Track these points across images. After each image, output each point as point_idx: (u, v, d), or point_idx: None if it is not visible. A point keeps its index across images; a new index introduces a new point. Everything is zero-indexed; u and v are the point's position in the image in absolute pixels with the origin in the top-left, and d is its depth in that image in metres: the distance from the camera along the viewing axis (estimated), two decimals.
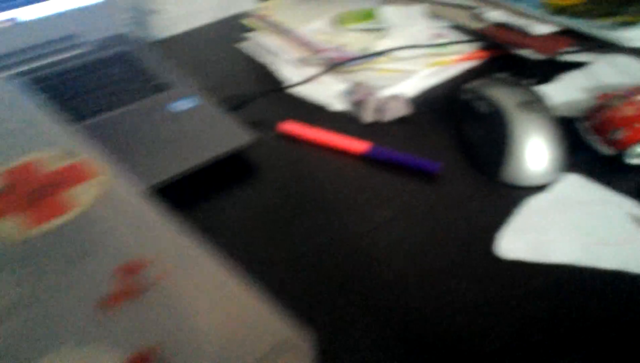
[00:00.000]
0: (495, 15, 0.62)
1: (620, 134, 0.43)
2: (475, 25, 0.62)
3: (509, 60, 0.59)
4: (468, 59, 0.60)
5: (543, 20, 0.60)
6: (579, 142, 0.47)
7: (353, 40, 0.62)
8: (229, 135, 0.46)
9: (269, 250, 0.39)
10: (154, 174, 0.42)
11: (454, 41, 0.60)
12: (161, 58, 0.57)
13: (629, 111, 0.44)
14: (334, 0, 0.72)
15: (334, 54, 0.59)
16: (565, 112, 0.50)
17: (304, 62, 0.60)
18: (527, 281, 0.36)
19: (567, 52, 0.58)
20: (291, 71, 0.60)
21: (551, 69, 0.56)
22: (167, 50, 0.66)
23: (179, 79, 0.53)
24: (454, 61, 0.59)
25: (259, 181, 0.46)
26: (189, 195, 0.44)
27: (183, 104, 0.49)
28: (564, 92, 0.53)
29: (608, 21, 0.59)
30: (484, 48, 0.60)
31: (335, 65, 0.57)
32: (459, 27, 0.63)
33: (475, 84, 0.49)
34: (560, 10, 0.61)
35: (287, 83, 0.58)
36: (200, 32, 0.72)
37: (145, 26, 0.69)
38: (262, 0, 0.74)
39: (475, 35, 0.61)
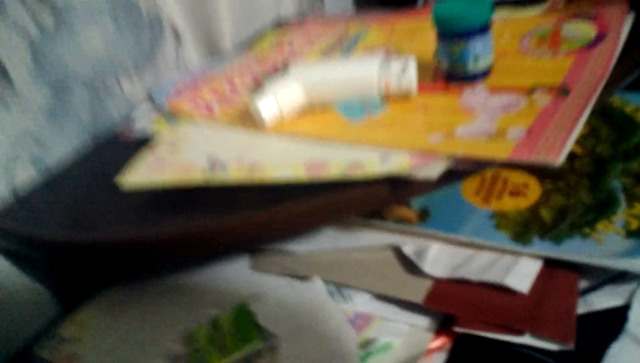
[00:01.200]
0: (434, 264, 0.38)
1: None
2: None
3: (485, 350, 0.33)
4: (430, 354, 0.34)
5: (517, 254, 0.37)
6: None
7: None
8: None
9: None
10: None
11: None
12: None
13: None
14: (161, 299, 0.43)
15: None
16: None
17: None
18: None
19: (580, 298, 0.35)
20: None
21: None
22: None
23: None
24: None
25: None
26: None
27: None
28: None
29: (607, 232, 0.37)
30: (441, 331, 0.35)
31: None
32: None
33: None
34: (523, 231, 0.39)
35: None
36: None
37: None
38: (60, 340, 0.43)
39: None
